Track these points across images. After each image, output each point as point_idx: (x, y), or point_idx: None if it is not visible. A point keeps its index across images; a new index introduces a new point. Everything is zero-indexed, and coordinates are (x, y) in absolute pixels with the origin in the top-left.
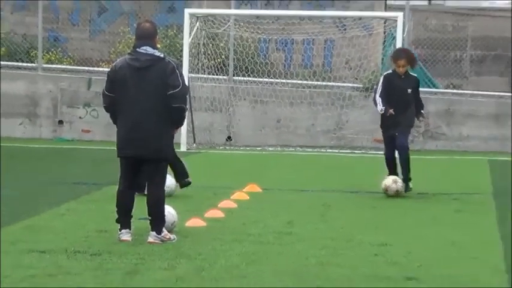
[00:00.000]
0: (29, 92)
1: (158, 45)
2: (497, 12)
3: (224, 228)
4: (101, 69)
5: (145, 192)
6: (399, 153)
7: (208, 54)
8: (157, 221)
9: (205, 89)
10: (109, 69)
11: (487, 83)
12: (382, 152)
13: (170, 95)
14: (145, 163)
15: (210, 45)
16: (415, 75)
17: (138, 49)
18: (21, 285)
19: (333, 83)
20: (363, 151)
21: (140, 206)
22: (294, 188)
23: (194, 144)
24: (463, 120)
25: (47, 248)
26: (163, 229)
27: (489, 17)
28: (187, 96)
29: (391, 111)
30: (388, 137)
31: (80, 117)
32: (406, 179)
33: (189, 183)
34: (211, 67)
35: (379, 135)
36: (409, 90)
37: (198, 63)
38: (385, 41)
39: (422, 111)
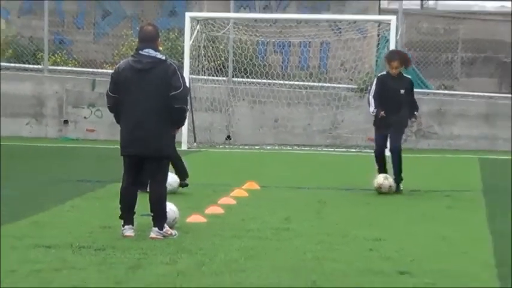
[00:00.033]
0: (35, 92)
1: (160, 48)
2: (487, 16)
3: (224, 224)
4: (104, 70)
5: (148, 190)
6: (392, 154)
7: (209, 56)
8: (159, 217)
9: (205, 89)
10: (113, 71)
11: (477, 84)
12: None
13: (172, 96)
14: (148, 161)
15: (210, 47)
16: (409, 76)
17: (140, 51)
18: (27, 279)
19: (329, 84)
20: (358, 150)
21: (143, 202)
22: (291, 186)
23: (195, 143)
24: (454, 119)
25: (52, 243)
26: (165, 225)
27: (479, 21)
28: (188, 97)
29: (382, 113)
30: (379, 135)
31: (85, 117)
32: (398, 180)
33: (186, 185)
34: (211, 69)
35: (373, 134)
36: (402, 91)
37: (198, 65)
38: (379, 44)
39: (415, 113)
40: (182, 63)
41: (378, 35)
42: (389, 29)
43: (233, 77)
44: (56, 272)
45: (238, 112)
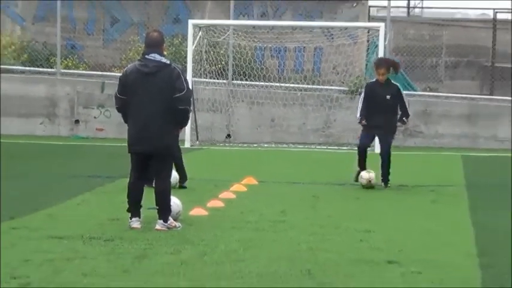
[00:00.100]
0: (48, 94)
1: (165, 53)
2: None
3: (224, 217)
4: (113, 74)
5: (153, 185)
6: (382, 158)
7: (210, 61)
8: (164, 210)
9: (207, 91)
10: (121, 74)
11: (460, 87)
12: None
13: (176, 98)
14: (153, 159)
15: (211, 52)
16: (397, 84)
17: (147, 56)
18: (41, 267)
19: (322, 87)
20: (349, 147)
21: (149, 197)
22: (287, 181)
23: (197, 142)
24: (439, 119)
25: (64, 235)
26: (170, 217)
27: (462, 27)
28: (191, 99)
29: (364, 121)
30: (365, 134)
31: (95, 117)
32: (385, 180)
33: (185, 187)
34: (212, 72)
35: None
36: (388, 97)
37: (200, 69)
38: (368, 49)
39: (404, 118)
40: (185, 67)
41: (368, 41)
42: (378, 35)
43: (233, 79)
44: (67, 261)
45: (238, 112)
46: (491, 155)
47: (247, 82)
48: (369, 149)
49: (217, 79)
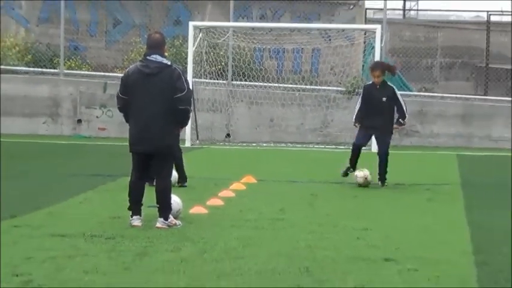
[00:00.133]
0: (52, 94)
1: (166, 54)
2: (463, 25)
3: (224, 215)
4: (115, 74)
5: (154, 184)
6: (380, 157)
7: (210, 62)
8: (164, 208)
9: (207, 92)
10: (123, 75)
11: (455, 87)
12: (363, 148)
13: (176, 98)
14: (154, 158)
15: (211, 53)
16: (392, 85)
17: (148, 57)
18: (43, 265)
19: (320, 87)
20: (346, 147)
21: (149, 195)
22: (286, 180)
23: (197, 141)
24: (434, 119)
25: (66, 233)
26: (170, 216)
27: (456, 29)
28: (191, 99)
29: (357, 125)
30: (362, 132)
31: (97, 117)
32: (382, 179)
33: (185, 186)
34: (212, 73)
35: None
36: (384, 99)
37: (200, 69)
38: (365, 50)
39: (401, 120)
40: (186, 67)
41: (365, 42)
42: (375, 37)
43: (232, 80)
44: (69, 259)
45: (237, 112)
46: (485, 154)
47: (247, 82)
48: (365, 148)
49: (217, 80)
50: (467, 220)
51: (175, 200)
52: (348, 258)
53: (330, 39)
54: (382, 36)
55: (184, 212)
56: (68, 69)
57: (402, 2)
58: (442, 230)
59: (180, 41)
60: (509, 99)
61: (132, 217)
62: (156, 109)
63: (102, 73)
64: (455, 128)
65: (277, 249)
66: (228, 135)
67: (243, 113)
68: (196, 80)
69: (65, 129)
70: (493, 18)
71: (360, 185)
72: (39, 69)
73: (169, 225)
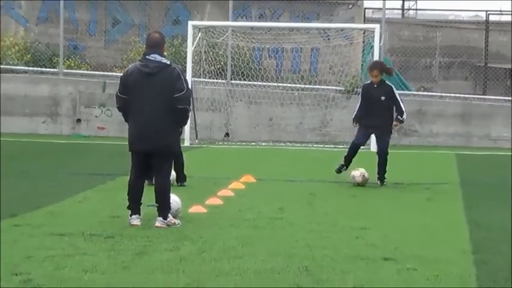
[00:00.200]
0: (51, 94)
1: (165, 53)
2: (462, 24)
3: (223, 214)
4: (114, 74)
5: (153, 183)
6: (379, 156)
7: (209, 61)
8: (163, 207)
9: (206, 91)
10: (122, 74)
11: (453, 86)
12: (362, 147)
13: (176, 98)
14: (153, 157)
15: (211, 53)
16: (390, 84)
17: (147, 56)
18: (43, 264)
19: (318, 86)
20: (345, 146)
21: (149, 194)
22: (285, 179)
23: (196, 140)
24: (433, 119)
25: (66, 232)
26: (169, 215)
27: (455, 29)
28: (190, 99)
29: (355, 124)
30: (362, 131)
31: (96, 116)
32: (381, 178)
33: (184, 186)
34: (211, 72)
35: None
36: (383, 98)
37: (200, 69)
38: (364, 50)
39: (399, 117)
40: (185, 67)
41: (363, 42)
42: (374, 36)
43: (231, 79)
44: (68, 258)
45: (236, 112)
46: (484, 153)
47: (246, 82)
48: (364, 147)
49: (216, 79)
50: (466, 219)
51: (175, 199)
52: (347, 257)
53: (328, 39)
54: (381, 35)
55: (184, 211)
56: (67, 68)
57: (401, 1)
58: (441, 229)
59: (179, 41)
60: (508, 98)
61: (131, 216)
62: (155, 108)
63: (102, 72)
64: (454, 128)
65: (276, 248)
66: (227, 134)
67: (242, 112)
68: (196, 79)
69: (64, 129)
70: (492, 18)
71: (359, 184)
72: (39, 69)
73: (168, 225)
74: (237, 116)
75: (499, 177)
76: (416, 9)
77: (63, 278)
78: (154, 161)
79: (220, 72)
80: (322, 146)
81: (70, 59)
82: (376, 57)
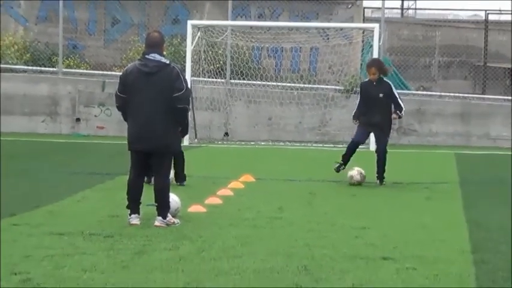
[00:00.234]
0: (50, 93)
1: (164, 53)
2: (461, 24)
3: (222, 214)
4: (114, 73)
5: (153, 182)
6: (378, 155)
7: (208, 60)
8: (162, 207)
9: (205, 90)
10: (121, 74)
11: (453, 86)
12: (361, 147)
13: (175, 97)
14: (153, 156)
15: (210, 52)
16: (389, 81)
17: (147, 56)
18: (42, 263)
19: (318, 86)
20: (344, 145)
21: (148, 193)
22: (284, 178)
23: (196, 139)
24: (432, 118)
25: (65, 231)
26: (168, 214)
27: (454, 28)
28: (190, 98)
29: (355, 122)
30: (362, 129)
31: (95, 116)
32: (381, 177)
33: (183, 185)
34: (210, 71)
35: None
36: (381, 95)
37: (199, 68)
38: (363, 49)
39: (398, 112)
40: (184, 66)
41: (363, 41)
42: (373, 36)
43: (231, 79)
44: (68, 257)
45: (235, 111)
46: (484, 153)
47: (245, 81)
48: (363, 146)
49: (216, 78)
50: (465, 218)
51: (174, 198)
52: (346, 256)
53: (328, 38)
54: (380, 35)
55: (183, 211)
56: (66, 68)
57: (400, 1)
58: (440, 228)
59: (179, 40)
60: (508, 98)
61: (130, 215)
62: (154, 108)
63: (101, 72)
64: (454, 127)
65: (276, 247)
66: (227, 134)
67: (241, 111)
68: (195, 78)
69: (64, 128)
70: (491, 17)
71: (359, 183)
72: (38, 68)
73: (167, 224)
74: (236, 116)
75: (498, 176)
76: (415, 9)
77: (63, 277)
78: (154, 160)
79: (219, 72)
80: (321, 145)
81: (69, 59)
82: (375, 57)
